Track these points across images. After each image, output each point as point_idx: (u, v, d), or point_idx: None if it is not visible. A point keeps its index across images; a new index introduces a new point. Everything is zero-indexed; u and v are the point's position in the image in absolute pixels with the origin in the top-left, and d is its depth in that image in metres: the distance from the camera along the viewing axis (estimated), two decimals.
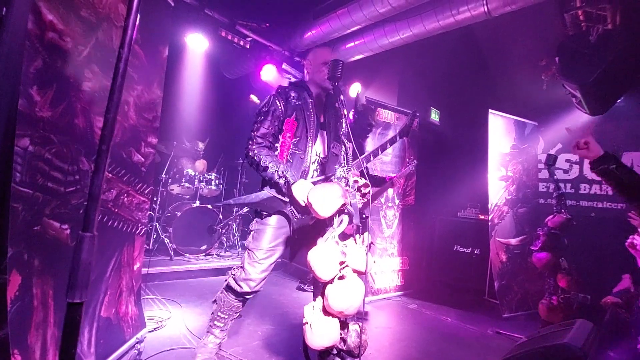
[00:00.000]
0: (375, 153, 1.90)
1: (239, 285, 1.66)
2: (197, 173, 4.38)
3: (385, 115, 4.07)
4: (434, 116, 4.85)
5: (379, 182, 2.70)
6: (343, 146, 1.68)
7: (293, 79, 4.11)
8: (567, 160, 4.23)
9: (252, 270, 1.65)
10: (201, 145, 4.69)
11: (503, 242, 3.73)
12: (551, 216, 2.98)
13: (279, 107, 1.69)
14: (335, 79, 1.72)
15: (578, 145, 1.48)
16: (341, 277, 1.41)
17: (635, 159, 3.80)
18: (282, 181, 1.54)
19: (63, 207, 1.61)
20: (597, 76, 2.75)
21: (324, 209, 1.38)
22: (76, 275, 0.52)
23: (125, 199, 2.02)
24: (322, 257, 1.35)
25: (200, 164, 4.85)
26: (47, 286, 1.50)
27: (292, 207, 1.63)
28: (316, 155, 1.72)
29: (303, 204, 1.52)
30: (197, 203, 4.19)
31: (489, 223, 3.66)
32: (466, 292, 4.15)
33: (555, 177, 3.08)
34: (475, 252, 4.11)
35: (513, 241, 3.81)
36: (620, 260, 3.59)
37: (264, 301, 3.12)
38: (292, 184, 1.52)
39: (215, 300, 1.74)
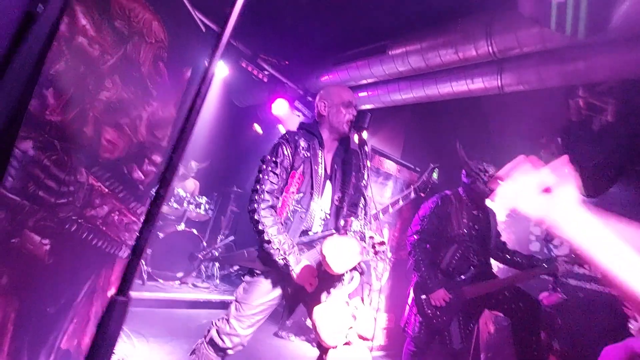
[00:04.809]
0: (385, 210, 1.82)
1: (221, 339, 1.49)
2: (187, 194, 4.21)
3: (388, 166, 4.09)
4: (434, 174, 4.90)
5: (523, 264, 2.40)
6: (362, 198, 1.61)
7: (302, 117, 4.14)
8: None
9: (238, 325, 1.48)
10: (194, 165, 4.55)
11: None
12: (546, 294, 2.93)
13: (287, 157, 1.57)
14: (360, 130, 1.70)
15: None
16: (346, 343, 1.28)
17: None
18: (282, 262, 1.43)
19: (49, 219, 1.45)
20: (597, 163, 2.87)
21: (338, 266, 1.28)
22: (97, 352, 0.40)
23: (116, 217, 1.87)
24: (331, 319, 1.23)
25: (191, 183, 4.68)
26: (10, 308, 1.31)
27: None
28: (321, 210, 1.61)
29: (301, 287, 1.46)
30: (183, 226, 3.98)
31: None
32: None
33: (553, 254, 3.08)
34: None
35: None
36: (604, 346, 3.50)
37: None
38: (292, 269, 1.43)
39: (193, 351, 1.55)
